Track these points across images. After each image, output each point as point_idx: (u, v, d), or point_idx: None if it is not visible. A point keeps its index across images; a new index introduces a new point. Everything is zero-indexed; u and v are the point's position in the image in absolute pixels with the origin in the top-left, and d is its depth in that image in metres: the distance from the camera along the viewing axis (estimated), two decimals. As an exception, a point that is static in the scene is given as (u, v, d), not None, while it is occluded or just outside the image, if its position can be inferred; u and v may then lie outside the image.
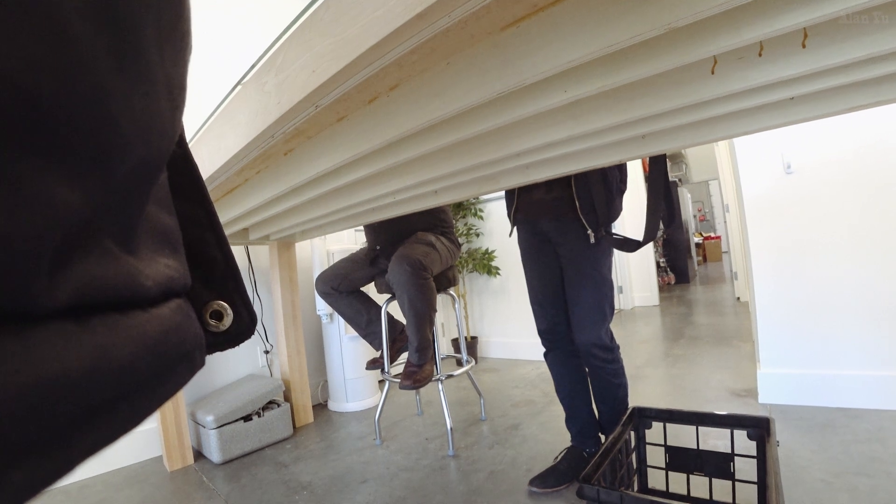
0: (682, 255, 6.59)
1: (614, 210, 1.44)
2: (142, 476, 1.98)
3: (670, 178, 6.44)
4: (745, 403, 1.99)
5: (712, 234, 9.99)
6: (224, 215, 1.54)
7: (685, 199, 7.10)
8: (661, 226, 1.34)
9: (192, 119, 0.94)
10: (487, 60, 0.63)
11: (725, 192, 4.29)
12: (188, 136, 1.08)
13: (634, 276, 5.17)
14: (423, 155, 0.96)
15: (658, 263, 5.99)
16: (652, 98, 0.80)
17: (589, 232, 1.40)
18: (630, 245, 1.39)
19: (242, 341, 0.30)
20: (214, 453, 2.00)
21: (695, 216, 9.82)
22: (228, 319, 0.28)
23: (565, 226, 1.45)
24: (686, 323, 3.92)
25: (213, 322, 0.28)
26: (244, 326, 0.29)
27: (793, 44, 0.69)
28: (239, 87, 0.78)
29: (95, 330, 0.15)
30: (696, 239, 8.69)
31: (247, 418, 2.09)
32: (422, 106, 0.73)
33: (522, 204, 1.55)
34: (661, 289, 5.56)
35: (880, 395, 1.76)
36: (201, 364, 0.23)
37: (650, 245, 5.15)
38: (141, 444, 2.14)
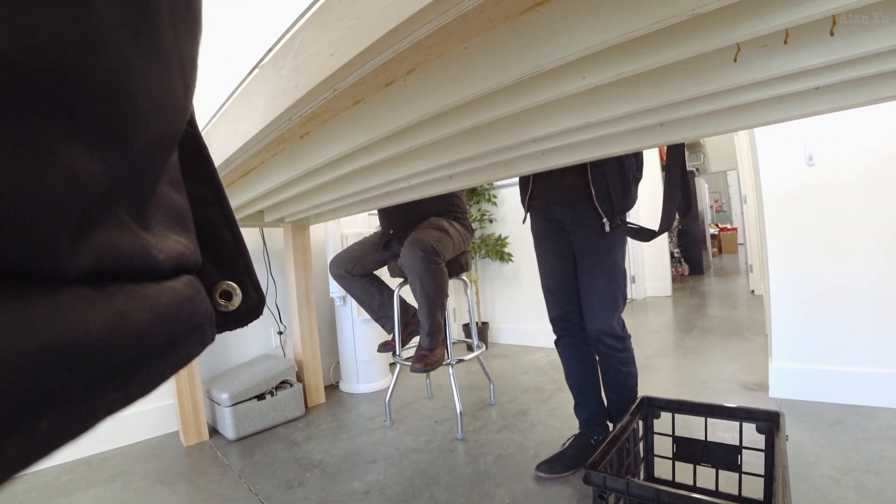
0: (697, 245, 6.52)
1: (630, 199, 1.43)
2: (159, 450, 2.03)
3: (687, 168, 6.35)
4: (756, 397, 1.98)
5: (728, 226, 9.85)
6: (240, 197, 1.55)
7: (702, 189, 6.99)
8: (677, 216, 1.33)
9: (209, 102, 0.94)
10: (505, 45, 0.62)
11: (743, 183, 4.22)
12: (204, 119, 1.09)
13: (648, 265, 5.13)
14: (439, 140, 0.95)
15: (672, 254, 5.94)
16: (672, 85, 0.79)
17: (604, 220, 1.40)
18: (645, 234, 1.37)
19: (251, 321, 0.30)
20: (229, 430, 2.04)
21: (711, 207, 9.68)
22: (237, 299, 0.29)
23: (579, 213, 1.44)
24: (698, 314, 3.90)
25: (222, 302, 0.28)
26: (252, 306, 0.30)
27: (820, 31, 0.67)
28: (256, 71, 0.78)
29: (114, 296, 0.15)
30: (712, 230, 8.58)
31: (260, 397, 2.13)
32: (438, 90, 0.72)
33: (537, 190, 1.54)
34: (674, 279, 5.52)
35: (894, 393, 1.74)
36: (211, 339, 0.24)
37: (664, 235, 5.10)
38: (158, 419, 2.19)
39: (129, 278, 0.17)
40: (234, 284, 0.29)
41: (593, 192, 1.38)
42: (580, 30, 0.57)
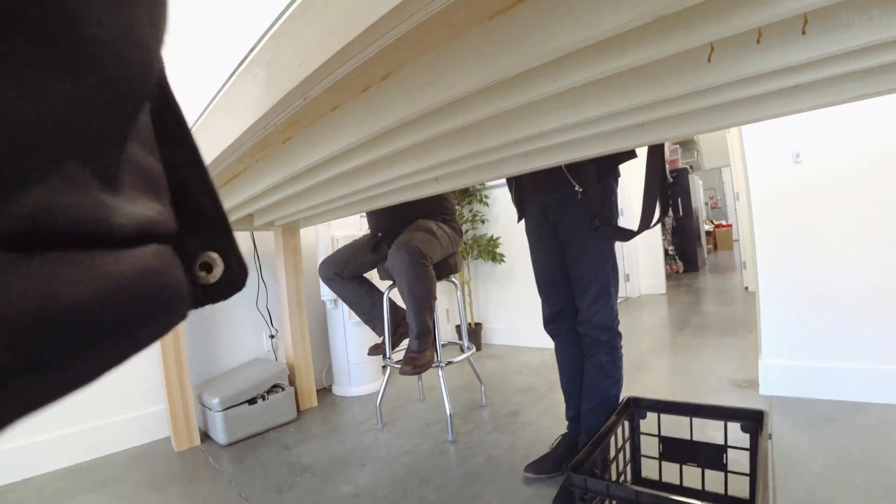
0: (692, 242, 6.54)
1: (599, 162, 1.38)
2: (150, 455, 2.03)
3: (681, 165, 6.37)
4: (746, 395, 1.99)
5: (724, 222, 9.88)
6: (228, 202, 1.55)
7: (696, 185, 7.01)
8: (657, 215, 1.33)
9: (193, 109, 0.94)
10: (475, 50, 0.62)
11: (736, 180, 4.23)
12: (189, 122, 1.09)
13: (642, 263, 5.14)
14: (420, 143, 0.95)
15: (666, 251, 5.95)
16: (648, 86, 0.79)
17: (577, 189, 1.38)
18: (624, 234, 1.37)
19: (233, 293, 0.28)
20: (220, 435, 2.04)
21: (706, 203, 9.70)
22: (219, 271, 0.27)
23: (563, 200, 1.43)
24: (692, 312, 3.91)
25: (202, 274, 0.26)
26: (235, 278, 0.28)
27: (793, 30, 0.67)
28: (234, 78, 0.78)
29: (45, 265, 0.13)
30: (707, 227, 8.60)
31: (252, 401, 2.13)
32: (414, 95, 0.72)
33: (520, 184, 1.55)
34: (668, 277, 5.54)
35: (883, 388, 1.75)
36: (182, 316, 0.22)
37: (658, 232, 5.12)
38: (149, 425, 2.19)
39: (76, 244, 0.15)
40: (215, 255, 0.27)
41: (563, 166, 1.36)
42: (548, 34, 0.57)
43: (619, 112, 0.85)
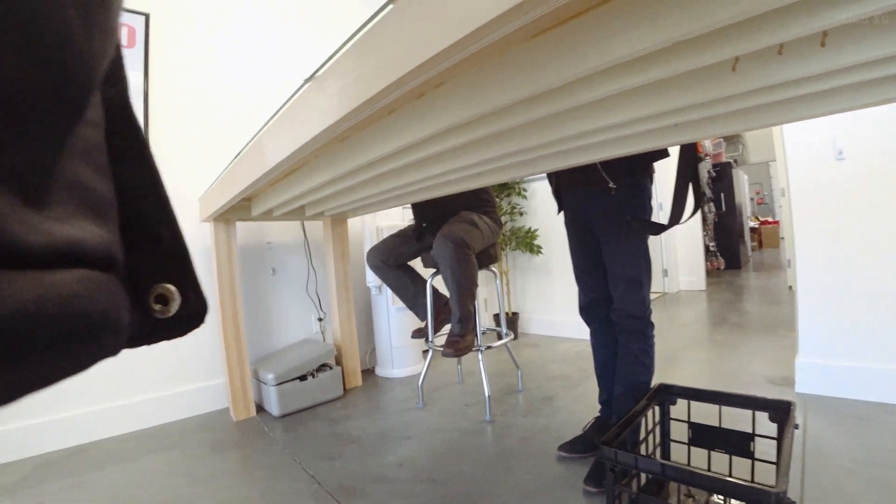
0: (734, 239, 6.38)
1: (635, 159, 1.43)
2: (211, 423, 2.23)
3: (725, 159, 6.21)
4: (781, 392, 2.00)
5: (770, 219, 9.55)
6: (283, 195, 1.69)
7: (741, 180, 6.82)
8: (689, 210, 1.38)
9: (262, 114, 1.07)
10: (519, 65, 0.72)
11: (780, 175, 4.14)
12: (255, 128, 1.22)
13: (681, 259, 5.09)
14: (466, 143, 1.05)
15: (707, 247, 5.85)
16: (682, 91, 0.86)
17: (611, 185, 1.45)
18: (655, 228, 1.43)
19: (192, 329, 0.27)
20: (274, 407, 2.22)
21: (752, 199, 9.38)
22: (175, 304, 0.26)
23: (598, 196, 1.50)
24: (732, 310, 3.87)
25: (157, 307, 0.25)
26: (193, 312, 0.27)
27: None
28: (304, 89, 0.90)
29: None
30: (752, 223, 8.35)
31: (303, 378, 2.29)
32: (464, 102, 0.82)
33: (560, 181, 1.63)
34: (709, 274, 5.45)
35: (920, 390, 1.74)
36: (114, 349, 0.20)
37: (698, 228, 5.04)
38: (210, 396, 2.40)
39: None
40: (171, 287, 0.26)
41: (598, 164, 1.43)
42: (583, 52, 0.66)
43: (650, 116, 0.93)
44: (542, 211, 3.37)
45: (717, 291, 4.87)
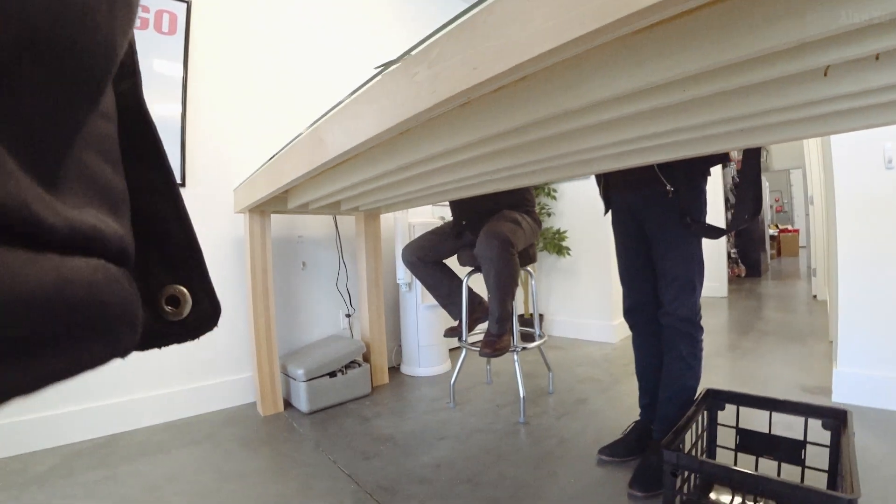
0: (756, 247, 6.34)
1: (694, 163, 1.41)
2: (239, 418, 2.22)
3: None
4: (817, 401, 1.97)
5: (790, 227, 9.46)
6: (325, 188, 1.67)
7: (763, 187, 6.77)
8: (746, 216, 1.36)
9: (301, 105, 1.05)
10: (619, 61, 0.70)
11: (812, 183, 4.09)
12: (294, 119, 1.20)
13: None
14: (533, 141, 1.04)
15: (729, 254, 5.80)
16: (765, 96, 0.84)
17: (668, 188, 1.42)
18: (714, 232, 1.41)
19: (203, 333, 0.27)
20: (303, 403, 2.21)
21: (771, 206, 9.30)
22: (187, 307, 0.25)
23: (651, 197, 1.48)
24: (756, 317, 3.83)
25: (169, 308, 0.25)
26: (205, 316, 0.26)
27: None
28: (382, 75, 0.89)
29: None
30: (771, 231, 8.28)
31: (332, 374, 2.29)
32: (548, 98, 0.81)
33: (611, 180, 1.61)
34: (730, 281, 5.40)
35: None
36: (128, 345, 0.19)
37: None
38: (237, 390, 2.39)
39: None
40: (183, 289, 0.25)
41: (655, 165, 1.40)
42: (684, 54, 0.65)
43: (723, 120, 0.91)
44: (570, 212, 3.35)
45: (738, 299, 4.82)
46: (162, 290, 0.25)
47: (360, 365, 2.40)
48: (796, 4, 0.55)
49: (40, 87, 0.14)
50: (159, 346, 0.25)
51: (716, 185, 4.66)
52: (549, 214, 3.44)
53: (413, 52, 0.80)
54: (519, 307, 3.55)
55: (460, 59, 0.69)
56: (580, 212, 3.26)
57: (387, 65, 0.89)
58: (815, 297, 4.40)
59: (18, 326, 0.13)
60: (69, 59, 0.14)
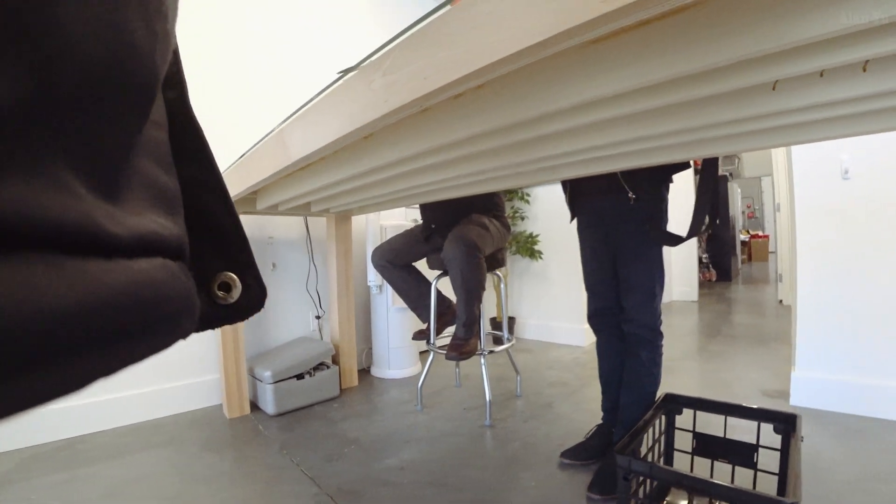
0: (727, 252, 6.48)
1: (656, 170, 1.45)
2: (204, 420, 2.19)
3: (721, 172, 6.29)
4: (775, 404, 2.02)
5: (760, 233, 9.70)
6: (293, 190, 1.66)
7: (734, 194, 6.92)
8: (705, 223, 1.39)
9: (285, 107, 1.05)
10: (571, 75, 0.71)
11: (778, 191, 4.20)
12: (277, 120, 1.20)
13: (675, 270, 5.14)
14: (499, 147, 1.04)
15: (700, 259, 5.92)
16: (717, 108, 0.87)
17: (631, 195, 1.45)
18: (673, 239, 1.44)
19: (252, 314, 0.29)
20: (269, 406, 2.18)
21: (743, 212, 9.52)
22: (237, 292, 0.28)
23: (616, 205, 1.50)
24: (724, 321, 3.92)
25: (221, 294, 0.27)
26: (254, 299, 0.29)
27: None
28: (341, 82, 0.89)
29: (22, 266, 0.13)
30: (743, 236, 8.47)
31: (300, 376, 2.26)
32: (506, 107, 0.82)
33: (576, 187, 1.63)
34: (701, 285, 5.51)
35: (918, 407, 1.77)
36: (188, 331, 0.21)
37: (693, 240, 5.10)
38: (203, 391, 2.35)
39: (62, 248, 0.14)
40: (234, 276, 0.28)
41: (618, 173, 1.43)
42: (624, 71, 0.66)
43: (684, 130, 0.93)
44: (543, 217, 3.38)
45: (709, 303, 4.92)
46: (215, 277, 0.27)
47: (328, 367, 2.38)
48: (747, 21, 0.56)
49: (96, 111, 0.15)
50: (213, 328, 0.27)
51: (688, 191, 4.74)
52: (522, 218, 3.46)
53: (368, 61, 0.80)
54: (491, 310, 3.57)
55: (412, 68, 0.69)
56: (553, 216, 3.29)
57: (346, 71, 0.89)
58: (780, 301, 4.52)
59: (103, 324, 0.15)
60: (118, 80, 0.15)
